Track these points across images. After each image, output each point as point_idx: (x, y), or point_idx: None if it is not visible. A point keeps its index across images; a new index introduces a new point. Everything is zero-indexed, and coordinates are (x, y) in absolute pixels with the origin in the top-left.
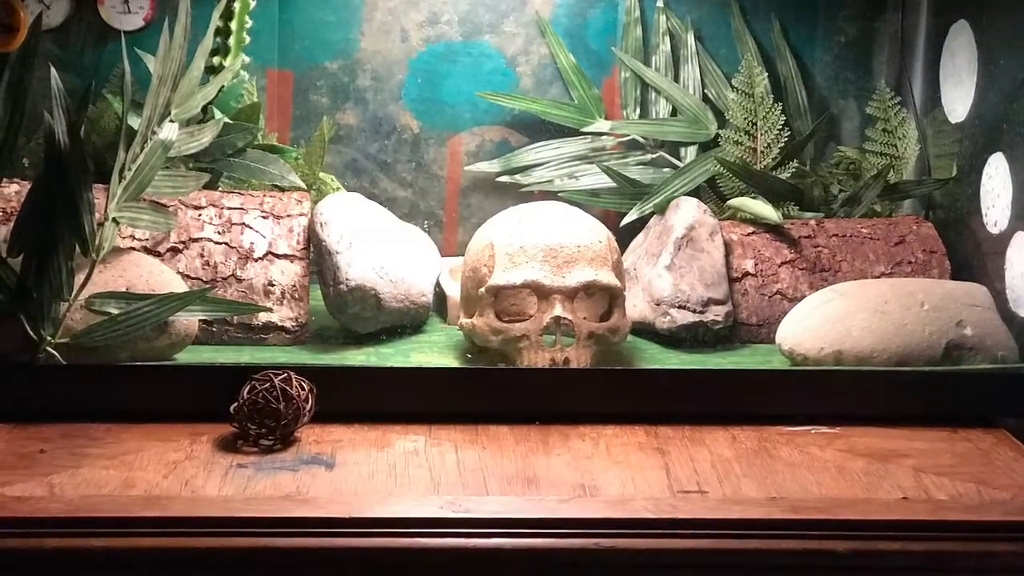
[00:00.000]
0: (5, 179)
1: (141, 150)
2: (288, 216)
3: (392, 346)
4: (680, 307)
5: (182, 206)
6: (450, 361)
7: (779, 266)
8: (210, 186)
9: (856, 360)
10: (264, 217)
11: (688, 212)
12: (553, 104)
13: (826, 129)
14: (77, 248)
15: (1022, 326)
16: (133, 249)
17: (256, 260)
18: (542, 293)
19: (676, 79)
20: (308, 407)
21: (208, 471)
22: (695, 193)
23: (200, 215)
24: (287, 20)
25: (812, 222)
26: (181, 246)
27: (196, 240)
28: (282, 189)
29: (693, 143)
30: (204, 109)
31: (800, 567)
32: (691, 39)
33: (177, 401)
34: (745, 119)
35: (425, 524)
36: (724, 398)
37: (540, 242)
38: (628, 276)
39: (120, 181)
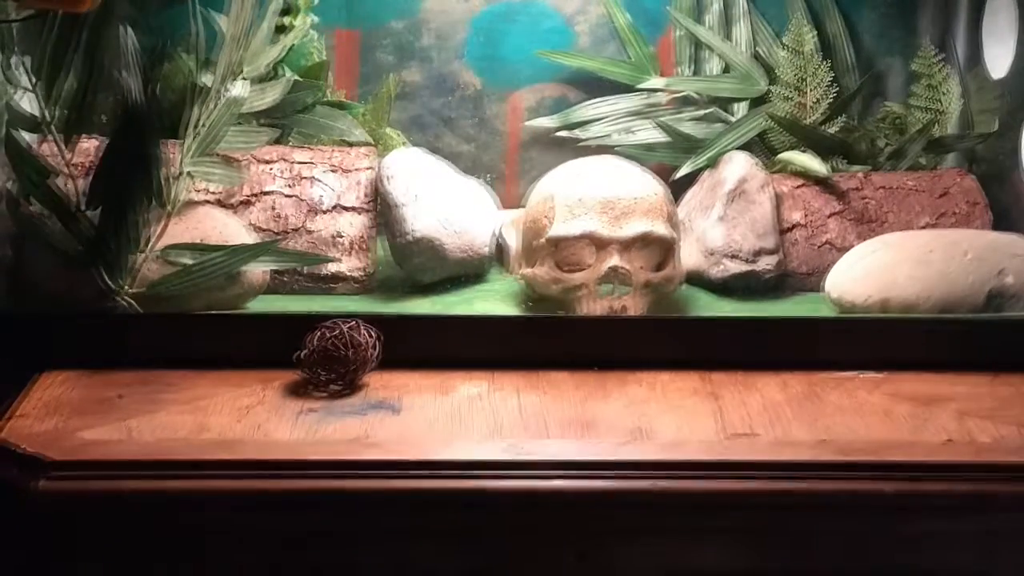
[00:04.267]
0: (83, 135)
1: (214, 107)
2: (355, 170)
3: (455, 295)
4: (732, 257)
5: (253, 160)
6: (511, 309)
7: (827, 217)
8: (280, 141)
9: (902, 308)
10: (332, 171)
11: (739, 165)
12: (609, 62)
13: (872, 85)
14: (152, 201)
15: None
16: (206, 202)
17: (324, 212)
18: (599, 244)
19: (728, 37)
20: (375, 354)
21: (279, 416)
22: (746, 147)
23: (270, 169)
24: None
25: (859, 175)
26: (252, 199)
27: (266, 193)
28: (349, 144)
29: (744, 99)
30: (274, 67)
31: (848, 507)
32: None
33: (248, 348)
34: (794, 76)
35: (488, 466)
36: (775, 345)
37: (597, 195)
38: (682, 227)
39: (193, 137)
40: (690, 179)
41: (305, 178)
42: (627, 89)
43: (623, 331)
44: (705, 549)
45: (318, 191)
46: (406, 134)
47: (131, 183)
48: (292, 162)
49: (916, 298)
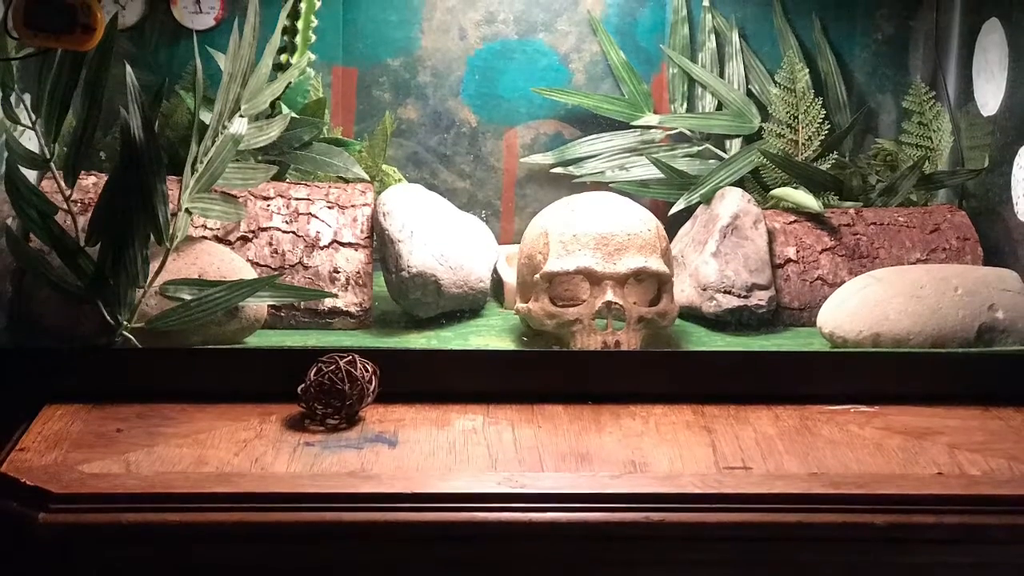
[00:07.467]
0: (83, 171)
1: (212, 144)
2: (352, 206)
3: (451, 330)
4: (726, 292)
5: (251, 197)
6: (507, 344)
7: (820, 253)
8: (278, 178)
9: (893, 342)
10: (329, 207)
11: (733, 201)
12: (605, 99)
13: (864, 122)
14: (151, 237)
15: None
16: (205, 238)
17: (322, 248)
18: (594, 279)
19: (721, 75)
20: (372, 388)
21: (277, 449)
22: (740, 183)
23: (269, 205)
24: (351, 19)
25: (851, 211)
26: (251, 235)
27: (265, 229)
28: (346, 180)
29: (738, 136)
30: (272, 104)
31: (840, 539)
32: (736, 37)
33: (247, 383)
34: (787, 113)
35: (483, 499)
36: (768, 379)
37: (592, 230)
38: (676, 263)
39: (193, 173)
40: (684, 215)
41: (303, 214)
42: (622, 126)
43: (617, 365)
44: None
45: (315, 227)
46: (403, 171)
47: (131, 219)
48: (290, 198)
49: (907, 333)
